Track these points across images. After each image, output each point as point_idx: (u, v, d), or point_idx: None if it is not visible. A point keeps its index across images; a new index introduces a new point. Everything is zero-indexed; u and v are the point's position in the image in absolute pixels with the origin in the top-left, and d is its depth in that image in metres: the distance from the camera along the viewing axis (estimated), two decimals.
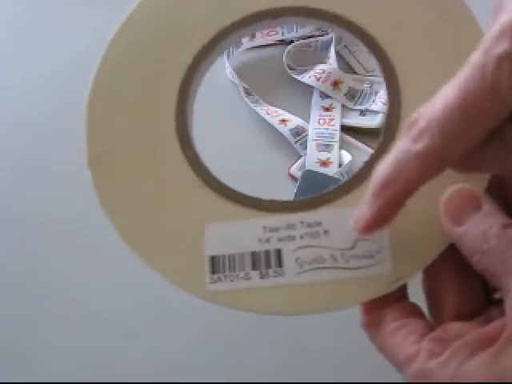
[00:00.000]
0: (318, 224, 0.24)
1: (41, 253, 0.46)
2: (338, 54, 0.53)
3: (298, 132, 0.49)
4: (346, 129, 0.49)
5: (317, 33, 0.54)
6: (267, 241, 0.24)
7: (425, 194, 0.22)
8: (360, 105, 0.50)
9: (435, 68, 0.24)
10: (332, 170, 0.47)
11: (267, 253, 0.24)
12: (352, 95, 0.51)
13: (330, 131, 0.49)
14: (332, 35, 0.53)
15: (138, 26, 0.26)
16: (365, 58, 0.53)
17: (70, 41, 0.56)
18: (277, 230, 0.24)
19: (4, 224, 0.47)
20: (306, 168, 0.47)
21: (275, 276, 0.23)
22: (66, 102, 0.52)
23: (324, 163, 0.47)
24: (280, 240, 0.24)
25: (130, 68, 0.25)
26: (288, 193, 0.45)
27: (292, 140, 0.48)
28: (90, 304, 0.43)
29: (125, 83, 0.25)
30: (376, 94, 0.50)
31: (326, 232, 0.24)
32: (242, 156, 0.48)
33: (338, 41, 0.53)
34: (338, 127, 0.49)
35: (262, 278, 0.24)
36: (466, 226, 0.21)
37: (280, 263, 0.24)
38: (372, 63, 0.53)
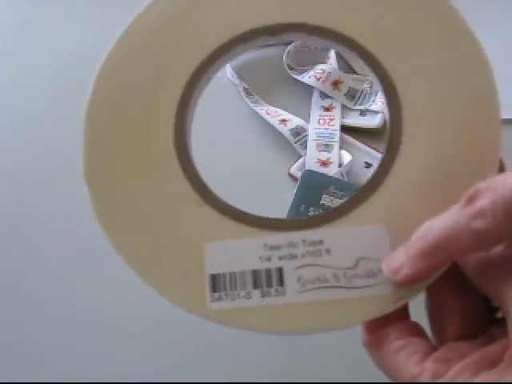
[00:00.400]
0: (320, 243, 0.24)
1: (41, 253, 0.46)
2: (337, 54, 0.53)
3: (298, 132, 0.49)
4: (346, 129, 0.49)
5: None
6: (268, 259, 0.24)
7: (426, 210, 0.22)
8: (360, 105, 0.50)
9: (435, 83, 0.24)
10: (332, 170, 0.47)
11: (268, 271, 0.24)
12: (352, 95, 0.51)
13: (329, 131, 0.49)
14: None
15: (139, 37, 0.26)
16: None
17: (70, 41, 0.56)
18: (278, 248, 0.24)
19: (4, 224, 0.47)
20: (306, 168, 0.47)
21: (277, 295, 0.23)
22: (66, 101, 0.52)
23: (324, 163, 0.47)
24: (281, 258, 0.24)
25: (129, 82, 0.25)
26: (288, 193, 0.45)
27: (292, 140, 0.48)
28: (90, 304, 0.43)
29: (123, 96, 0.25)
30: (376, 94, 0.50)
31: (327, 251, 0.23)
32: (242, 156, 0.48)
33: None
34: (338, 127, 0.49)
35: (263, 296, 0.23)
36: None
37: (281, 282, 0.23)
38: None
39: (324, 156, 0.48)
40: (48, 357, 0.42)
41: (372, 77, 0.25)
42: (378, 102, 0.49)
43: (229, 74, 0.52)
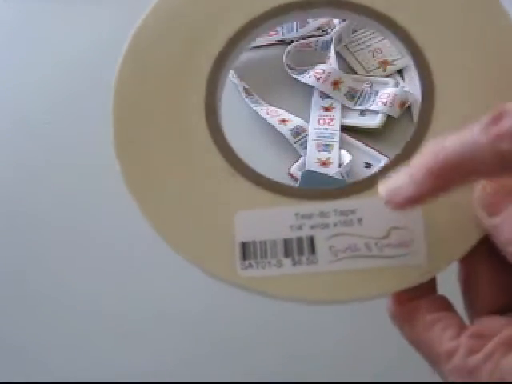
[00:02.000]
0: (352, 212, 0.23)
1: (41, 252, 0.46)
2: (338, 54, 0.53)
3: (298, 132, 0.49)
4: (346, 129, 0.49)
5: (317, 33, 0.54)
6: (300, 228, 0.23)
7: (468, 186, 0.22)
8: (360, 105, 0.50)
9: (466, 54, 0.24)
10: (332, 170, 0.47)
11: (300, 240, 0.23)
12: (352, 95, 0.51)
13: (329, 131, 0.49)
14: (332, 35, 0.53)
15: (166, 14, 0.26)
16: (365, 58, 0.53)
17: (71, 41, 0.56)
18: (310, 217, 0.24)
19: (4, 223, 0.47)
20: (306, 168, 0.47)
21: (308, 264, 0.23)
22: (66, 101, 0.52)
23: (324, 163, 0.47)
24: (313, 227, 0.23)
25: (161, 52, 0.25)
26: None
27: (292, 140, 0.48)
28: (90, 304, 0.43)
29: (152, 71, 0.25)
30: (376, 93, 0.50)
31: (359, 220, 0.23)
32: (242, 156, 0.48)
33: (338, 41, 0.53)
34: (338, 127, 0.49)
35: (294, 265, 0.23)
36: (502, 217, 0.21)
37: (313, 251, 0.23)
38: (372, 63, 0.53)
39: (324, 156, 0.48)
40: (48, 357, 0.42)
41: (402, 50, 0.25)
42: (378, 102, 0.49)
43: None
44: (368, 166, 0.48)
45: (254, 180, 0.24)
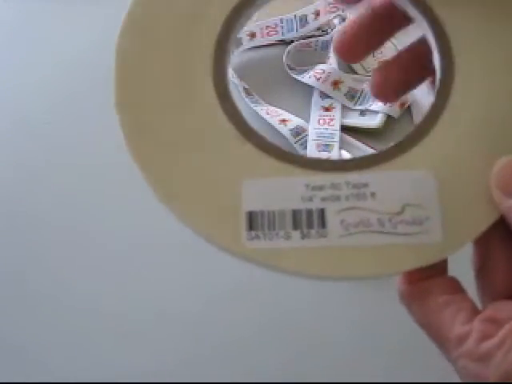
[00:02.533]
0: (365, 186, 0.22)
1: (40, 252, 0.46)
2: None
3: (298, 132, 0.49)
4: (346, 129, 0.49)
5: (317, 33, 0.54)
6: (310, 199, 0.22)
7: (476, 162, 0.22)
8: (360, 105, 0.50)
9: (488, 32, 0.24)
10: None
11: (309, 212, 0.22)
12: (352, 95, 0.51)
13: (329, 131, 0.49)
14: (332, 35, 0.53)
15: None
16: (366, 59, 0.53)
17: (70, 41, 0.56)
18: (321, 188, 0.22)
19: (4, 223, 0.47)
20: None
21: (318, 237, 0.22)
22: (66, 101, 0.52)
23: None
24: (324, 199, 0.22)
25: (165, 13, 0.24)
26: None
27: (292, 140, 0.48)
28: (91, 304, 0.43)
29: (158, 26, 0.24)
30: None
31: (372, 194, 0.22)
32: None
33: None
34: (338, 127, 0.49)
35: (303, 238, 0.22)
36: None
37: (323, 224, 0.22)
38: (372, 63, 0.53)
39: (324, 156, 0.48)
40: (48, 357, 0.42)
41: (422, 23, 0.24)
42: (378, 102, 0.49)
43: (229, 74, 0.52)
44: None
45: (263, 148, 0.23)
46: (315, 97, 0.51)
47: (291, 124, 0.49)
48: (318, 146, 0.48)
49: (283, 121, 0.49)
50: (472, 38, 0.24)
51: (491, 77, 0.23)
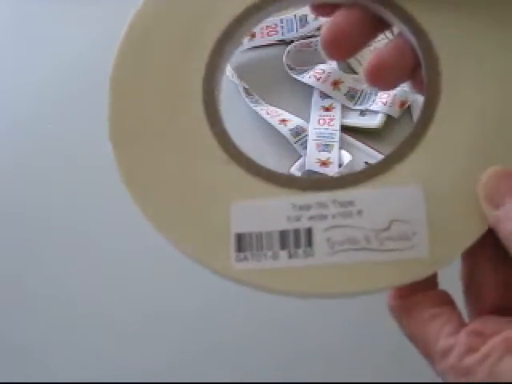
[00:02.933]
0: (351, 203, 0.23)
1: (40, 252, 0.46)
2: None
3: (298, 132, 0.49)
4: (346, 129, 0.49)
5: (317, 33, 0.54)
6: (297, 219, 0.23)
7: (464, 175, 0.22)
8: (360, 105, 0.50)
9: (475, 35, 0.23)
10: (332, 170, 0.47)
11: (297, 232, 0.23)
12: (352, 95, 0.51)
13: (329, 131, 0.49)
14: None
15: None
16: (365, 58, 0.53)
17: (70, 41, 0.56)
18: (307, 208, 0.23)
19: (4, 224, 0.47)
20: (306, 168, 0.47)
21: (305, 256, 0.22)
22: (66, 101, 0.52)
23: (324, 163, 0.47)
24: (311, 219, 0.23)
25: (156, 41, 0.24)
26: None
27: (292, 140, 0.48)
28: (90, 304, 0.43)
29: (150, 56, 0.24)
30: (376, 93, 0.50)
31: (359, 212, 0.22)
32: None
33: None
34: (338, 127, 0.49)
35: (290, 257, 0.22)
36: (505, 209, 0.20)
37: (310, 243, 0.22)
38: None
39: (324, 156, 0.48)
40: (48, 357, 0.42)
41: (399, 26, 0.24)
42: (378, 102, 0.49)
43: (229, 74, 0.52)
44: None
45: (250, 169, 0.23)
46: (315, 97, 0.51)
47: (291, 124, 0.49)
48: (318, 145, 0.48)
49: (283, 121, 0.49)
50: (458, 48, 0.23)
51: (479, 89, 0.23)
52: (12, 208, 0.48)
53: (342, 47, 0.24)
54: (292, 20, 0.53)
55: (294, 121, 0.49)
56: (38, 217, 0.47)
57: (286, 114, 0.50)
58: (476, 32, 0.23)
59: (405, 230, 0.22)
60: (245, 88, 0.51)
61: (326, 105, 0.51)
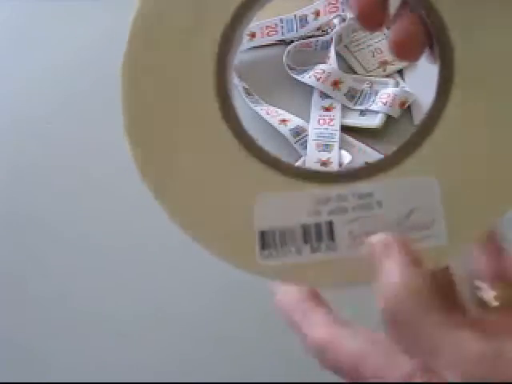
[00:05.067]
0: (370, 195, 0.23)
1: (40, 253, 0.46)
2: (338, 53, 0.53)
3: (298, 132, 0.49)
4: (346, 129, 0.49)
5: (317, 33, 0.54)
6: (318, 213, 0.23)
7: (477, 162, 0.22)
8: (360, 105, 0.50)
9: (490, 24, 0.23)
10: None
11: (318, 226, 0.23)
12: (352, 95, 0.51)
13: (330, 131, 0.49)
14: (332, 35, 0.53)
15: None
16: (365, 58, 0.53)
17: (70, 41, 0.56)
18: (327, 201, 0.23)
19: (4, 224, 0.47)
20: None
21: (327, 250, 0.23)
22: (66, 101, 0.52)
23: (324, 163, 0.48)
24: (331, 212, 0.23)
25: (165, 32, 0.24)
26: None
27: (292, 140, 0.48)
28: (91, 304, 0.43)
29: (159, 50, 0.24)
30: (376, 94, 0.50)
31: (378, 203, 0.23)
32: None
33: (338, 41, 0.53)
34: (338, 127, 0.49)
35: (313, 252, 0.23)
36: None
37: (332, 236, 0.23)
38: (372, 63, 0.53)
39: (324, 156, 0.48)
40: (48, 357, 0.42)
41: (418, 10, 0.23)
42: (378, 102, 0.49)
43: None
44: None
45: (268, 163, 0.24)
46: (315, 97, 0.51)
47: (291, 124, 0.49)
48: (318, 145, 0.48)
49: (283, 121, 0.49)
50: (470, 24, 0.23)
51: (494, 67, 0.23)
52: (12, 208, 0.48)
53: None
54: (292, 20, 0.53)
55: (294, 121, 0.49)
56: (37, 217, 0.47)
57: (286, 114, 0.50)
58: (489, 10, 0.23)
59: (424, 219, 0.22)
60: (245, 88, 0.51)
61: (326, 105, 0.51)
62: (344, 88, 0.51)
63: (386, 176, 0.23)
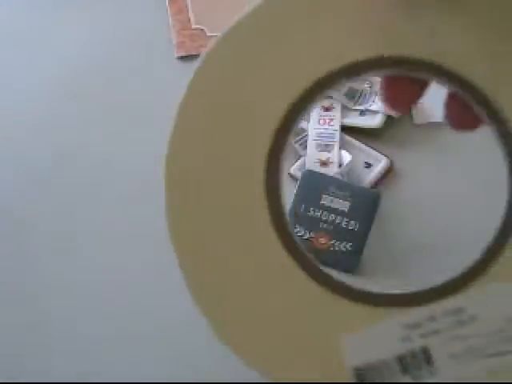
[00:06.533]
0: (461, 310, 0.21)
1: (39, 255, 0.46)
2: None
3: (298, 132, 0.49)
4: (346, 129, 0.49)
5: None
6: (409, 339, 0.21)
7: None
8: (360, 105, 0.50)
9: None
10: (332, 170, 0.47)
11: (413, 353, 0.21)
12: (352, 95, 0.51)
13: (330, 131, 0.49)
14: None
15: (224, 72, 0.22)
16: None
17: (70, 42, 0.56)
18: (417, 325, 0.21)
19: (3, 225, 0.47)
20: (306, 168, 0.47)
21: (430, 377, 0.21)
22: (66, 102, 0.52)
23: (324, 163, 0.48)
24: (423, 336, 0.21)
25: (210, 134, 0.22)
26: (288, 193, 0.45)
27: (292, 140, 0.48)
28: (90, 304, 0.43)
29: (206, 145, 0.22)
30: (376, 94, 0.50)
31: (472, 318, 0.21)
32: None
33: None
34: (337, 127, 0.49)
35: (416, 381, 0.21)
36: None
37: (430, 361, 0.21)
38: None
39: (324, 156, 0.48)
40: (48, 357, 0.42)
41: (481, 111, 0.22)
42: (378, 102, 0.49)
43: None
44: (368, 165, 0.48)
45: (348, 296, 0.22)
46: None
47: None
48: (318, 145, 0.48)
49: None
50: None
51: None
52: (11, 209, 0.48)
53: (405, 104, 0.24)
54: None
55: None
56: (36, 220, 0.47)
57: None
58: None
59: None
60: None
61: (326, 105, 0.51)
62: (344, 88, 0.51)
63: (475, 287, 0.21)
